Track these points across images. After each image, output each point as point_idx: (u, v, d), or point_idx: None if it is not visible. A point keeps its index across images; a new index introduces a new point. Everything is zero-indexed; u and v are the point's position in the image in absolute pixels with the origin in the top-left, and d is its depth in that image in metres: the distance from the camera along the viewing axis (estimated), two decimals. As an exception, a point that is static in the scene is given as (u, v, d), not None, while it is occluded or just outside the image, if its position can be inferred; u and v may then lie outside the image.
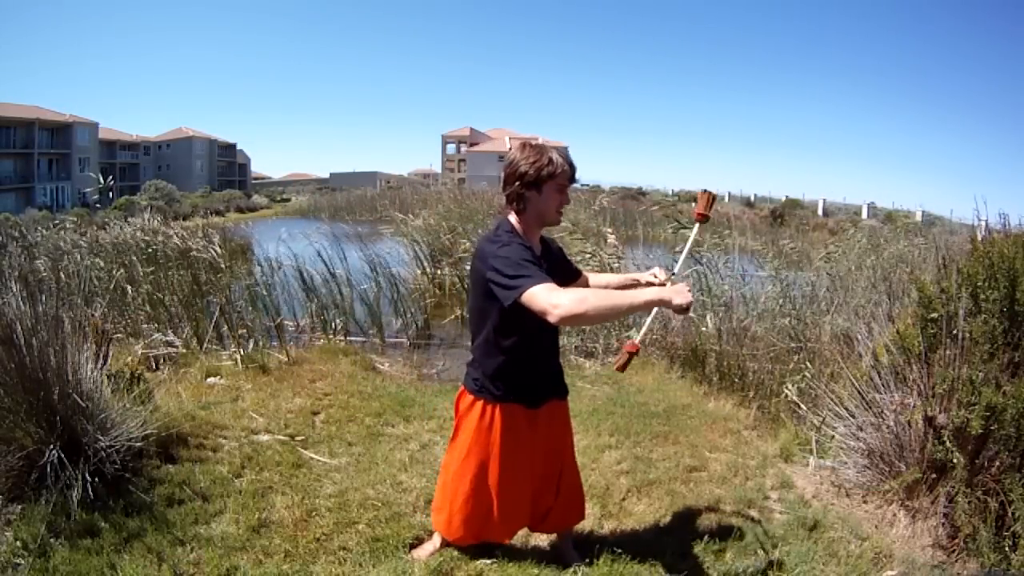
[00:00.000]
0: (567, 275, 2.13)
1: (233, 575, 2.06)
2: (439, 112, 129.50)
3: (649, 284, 2.08)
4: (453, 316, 7.01)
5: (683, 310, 1.66)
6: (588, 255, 5.85)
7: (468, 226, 9.63)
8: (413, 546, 2.26)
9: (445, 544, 2.21)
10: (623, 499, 2.73)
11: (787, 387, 3.70)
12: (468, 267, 7.99)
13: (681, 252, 2.29)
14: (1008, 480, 2.20)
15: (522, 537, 2.33)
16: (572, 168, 1.91)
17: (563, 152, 1.93)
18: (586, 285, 2.20)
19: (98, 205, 8.30)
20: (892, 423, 2.59)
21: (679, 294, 1.65)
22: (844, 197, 32.66)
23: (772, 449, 3.30)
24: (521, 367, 1.94)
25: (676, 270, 2.11)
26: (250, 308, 5.49)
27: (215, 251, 6.53)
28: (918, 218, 21.24)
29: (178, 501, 2.45)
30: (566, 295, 1.61)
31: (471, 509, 2.02)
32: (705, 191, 2.04)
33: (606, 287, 2.17)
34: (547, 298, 1.61)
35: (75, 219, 7.78)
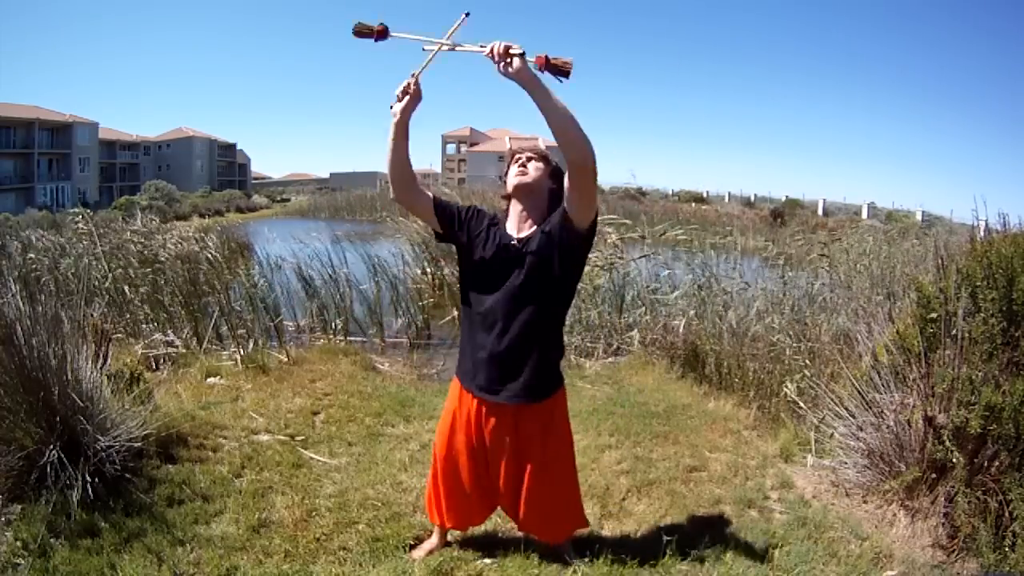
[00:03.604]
0: (566, 216, 1.85)
1: (233, 575, 2.06)
2: (439, 112, 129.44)
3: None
4: (452, 316, 7.01)
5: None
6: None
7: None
8: (413, 546, 2.26)
9: (445, 543, 2.21)
10: (623, 499, 2.73)
11: (787, 386, 3.70)
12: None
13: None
14: (1007, 480, 2.20)
15: (522, 537, 2.33)
16: (527, 147, 2.03)
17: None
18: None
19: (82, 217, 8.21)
20: (892, 423, 2.59)
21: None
22: (844, 197, 32.68)
23: (772, 449, 3.30)
24: (466, 344, 1.99)
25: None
26: (250, 308, 5.49)
27: (212, 254, 6.53)
28: (918, 218, 21.24)
29: (178, 501, 2.45)
30: None
31: (433, 488, 2.14)
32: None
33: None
34: None
35: (80, 220, 7.75)
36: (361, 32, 1.79)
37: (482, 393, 1.94)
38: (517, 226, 1.95)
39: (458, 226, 1.97)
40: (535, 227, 1.92)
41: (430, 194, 2.02)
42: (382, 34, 1.78)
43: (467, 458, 2.02)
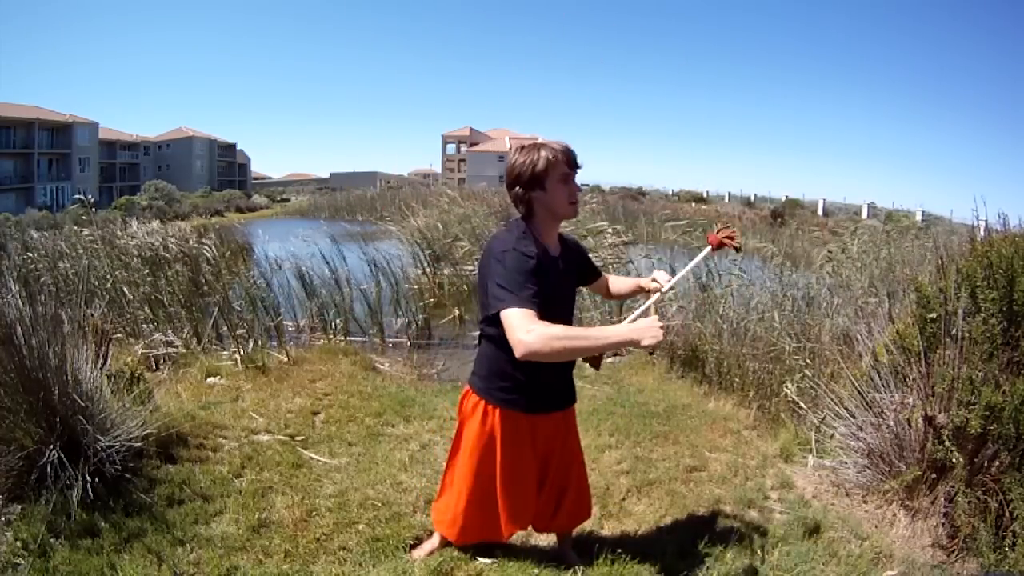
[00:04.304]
0: (588, 275, 2.16)
1: (233, 575, 2.06)
2: (439, 112, 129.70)
3: (648, 291, 2.10)
4: (453, 316, 7.01)
5: (650, 351, 1.63)
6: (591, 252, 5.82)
7: (466, 227, 9.64)
8: (413, 546, 2.26)
9: (445, 544, 2.21)
10: (623, 499, 2.73)
11: (787, 385, 3.70)
12: (467, 267, 8.05)
13: (682, 267, 2.26)
14: (1007, 480, 2.20)
15: (522, 537, 2.33)
16: (570, 155, 1.85)
17: (559, 143, 1.86)
18: (606, 286, 2.24)
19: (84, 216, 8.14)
20: (892, 423, 2.59)
21: (648, 334, 1.59)
22: (844, 197, 32.74)
23: (772, 449, 3.31)
24: (523, 373, 1.89)
25: (672, 282, 2.01)
26: (250, 308, 5.49)
27: (211, 253, 6.53)
28: (918, 218, 21.22)
29: (178, 501, 2.45)
30: (536, 332, 1.54)
31: (475, 512, 2.01)
32: (727, 227, 1.99)
33: (614, 291, 2.25)
34: (518, 328, 1.57)
35: (84, 216, 7.74)
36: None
37: (545, 411, 1.97)
38: (553, 242, 1.93)
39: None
40: (558, 241, 1.96)
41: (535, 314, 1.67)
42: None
43: (531, 471, 1.99)
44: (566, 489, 2.08)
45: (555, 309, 1.76)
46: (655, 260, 6.51)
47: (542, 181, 1.82)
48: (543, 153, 1.82)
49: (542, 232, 1.88)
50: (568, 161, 1.84)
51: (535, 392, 1.93)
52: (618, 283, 2.27)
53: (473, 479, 1.98)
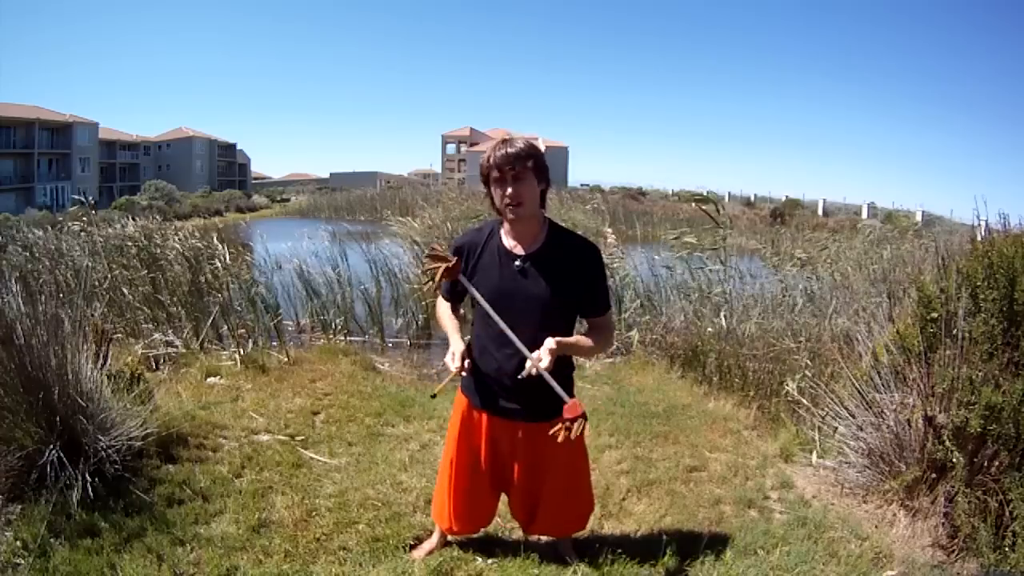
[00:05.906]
0: (584, 304, 1.93)
1: (233, 575, 2.06)
2: (439, 112, 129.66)
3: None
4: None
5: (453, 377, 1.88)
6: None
7: (469, 225, 9.64)
8: (413, 546, 2.26)
9: (444, 543, 2.21)
10: (623, 499, 2.73)
11: (787, 382, 3.69)
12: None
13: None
14: (1007, 480, 2.20)
15: (522, 537, 2.33)
16: (500, 159, 1.79)
17: (501, 147, 1.82)
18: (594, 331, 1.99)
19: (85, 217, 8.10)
20: (892, 423, 2.59)
21: (449, 354, 1.89)
22: (844, 197, 32.83)
23: (772, 449, 3.30)
24: (477, 363, 1.96)
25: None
26: (250, 308, 5.49)
27: (211, 253, 6.52)
28: (918, 218, 21.25)
29: (178, 501, 2.45)
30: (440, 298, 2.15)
31: (446, 495, 2.10)
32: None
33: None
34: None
35: (83, 217, 7.75)
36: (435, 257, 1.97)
37: (497, 414, 1.99)
38: (525, 239, 1.90)
39: (466, 273, 1.96)
40: (541, 240, 1.91)
41: (447, 300, 2.21)
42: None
43: (480, 467, 2.05)
44: (538, 502, 2.07)
45: (501, 305, 1.84)
46: (654, 263, 6.50)
47: (486, 181, 1.88)
48: (487, 153, 1.87)
49: (507, 227, 1.92)
50: (499, 165, 1.79)
51: (483, 390, 1.97)
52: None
53: (447, 462, 2.09)
